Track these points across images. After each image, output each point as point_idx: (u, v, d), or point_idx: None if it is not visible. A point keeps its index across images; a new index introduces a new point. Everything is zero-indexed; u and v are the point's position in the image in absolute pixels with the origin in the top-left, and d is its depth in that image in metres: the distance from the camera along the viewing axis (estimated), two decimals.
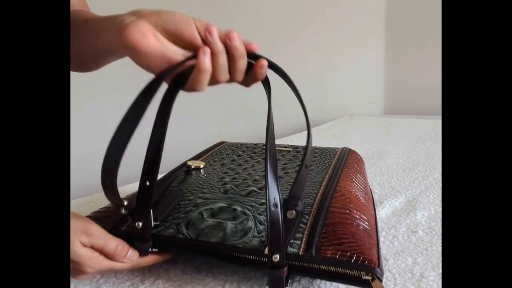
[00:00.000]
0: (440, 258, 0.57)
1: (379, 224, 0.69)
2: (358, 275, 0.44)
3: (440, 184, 0.91)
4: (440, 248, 0.60)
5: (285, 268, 0.45)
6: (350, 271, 0.45)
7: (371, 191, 0.69)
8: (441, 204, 0.78)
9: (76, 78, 1.09)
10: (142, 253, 0.51)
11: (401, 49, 2.49)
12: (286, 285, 0.46)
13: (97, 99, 1.16)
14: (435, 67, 2.37)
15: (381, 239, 0.63)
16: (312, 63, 2.08)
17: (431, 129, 1.64)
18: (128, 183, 1.00)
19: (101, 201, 0.84)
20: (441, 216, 0.72)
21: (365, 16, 2.38)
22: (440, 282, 0.51)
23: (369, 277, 0.44)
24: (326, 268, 0.45)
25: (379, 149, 1.30)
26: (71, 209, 0.79)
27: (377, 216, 0.73)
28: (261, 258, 0.47)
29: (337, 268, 0.45)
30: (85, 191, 1.13)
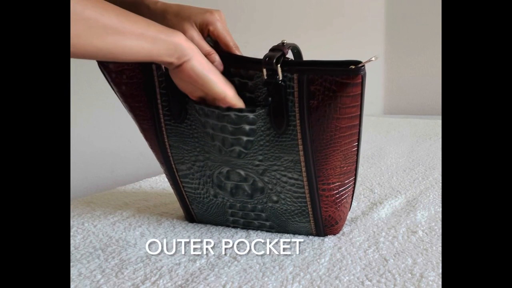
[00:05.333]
0: (440, 259, 0.57)
1: (379, 225, 0.69)
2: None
3: (440, 184, 0.91)
4: (440, 249, 0.60)
5: None
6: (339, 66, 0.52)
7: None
8: (441, 204, 0.78)
9: (76, 78, 1.09)
10: None
11: (401, 49, 2.49)
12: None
13: (97, 99, 1.16)
14: (435, 67, 2.37)
15: (381, 239, 0.63)
16: None
17: (431, 129, 1.64)
18: (129, 183, 1.00)
19: (101, 201, 0.84)
20: (441, 216, 0.72)
21: (365, 17, 2.38)
22: (440, 282, 0.51)
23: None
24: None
25: (379, 149, 1.30)
26: (71, 210, 0.79)
27: (377, 216, 0.73)
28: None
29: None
30: (85, 191, 1.13)
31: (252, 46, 1.68)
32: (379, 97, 2.56)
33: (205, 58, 0.55)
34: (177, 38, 0.51)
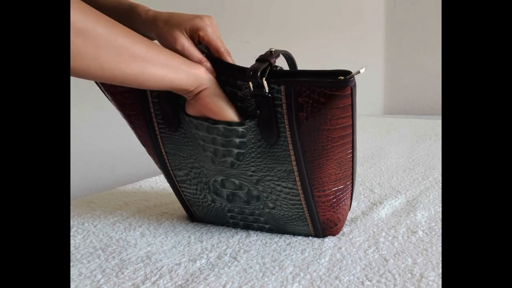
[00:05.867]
0: (440, 259, 0.57)
1: (379, 225, 0.69)
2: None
3: (440, 184, 0.91)
4: (440, 249, 0.60)
5: None
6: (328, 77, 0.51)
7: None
8: (441, 204, 0.78)
9: (76, 78, 1.09)
10: None
11: (401, 49, 2.49)
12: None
13: (97, 99, 1.16)
14: (435, 67, 2.37)
15: (381, 239, 0.63)
16: (312, 63, 2.07)
17: (431, 129, 1.64)
18: (129, 183, 1.00)
19: (101, 201, 0.84)
20: (441, 216, 0.72)
21: (365, 17, 2.38)
22: (440, 282, 0.51)
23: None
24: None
25: (379, 149, 1.30)
26: (71, 210, 0.79)
27: (377, 216, 0.73)
28: None
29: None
30: (85, 191, 1.13)
31: (253, 46, 1.68)
32: (379, 97, 2.56)
33: (220, 87, 0.56)
34: (198, 70, 0.54)
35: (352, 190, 0.64)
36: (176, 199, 0.84)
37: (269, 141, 0.56)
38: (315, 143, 0.55)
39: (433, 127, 1.69)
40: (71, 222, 0.73)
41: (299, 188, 0.59)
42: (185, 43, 0.55)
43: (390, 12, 2.50)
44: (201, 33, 0.56)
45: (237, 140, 0.57)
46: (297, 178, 0.58)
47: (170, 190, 0.91)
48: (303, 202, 0.60)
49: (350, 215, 0.73)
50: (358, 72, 0.50)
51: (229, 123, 0.56)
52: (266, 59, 0.54)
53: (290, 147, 0.56)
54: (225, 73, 0.56)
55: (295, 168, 0.57)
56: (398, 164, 1.12)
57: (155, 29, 0.57)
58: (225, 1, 1.60)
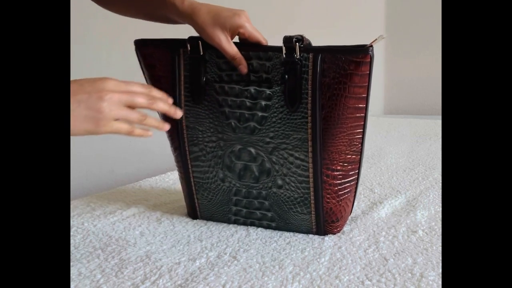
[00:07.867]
0: (440, 258, 0.57)
1: (379, 225, 0.69)
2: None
3: (440, 184, 0.91)
4: (440, 248, 0.60)
5: None
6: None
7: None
8: (441, 204, 0.78)
9: (76, 78, 1.09)
10: None
11: (401, 49, 2.49)
12: None
13: None
14: (435, 67, 2.36)
15: (381, 239, 0.63)
16: None
17: (431, 129, 1.64)
18: (129, 183, 1.00)
19: (101, 201, 0.84)
20: (441, 216, 0.72)
21: (365, 16, 2.38)
22: (440, 282, 0.51)
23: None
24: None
25: (379, 149, 1.30)
26: (71, 210, 0.79)
27: (377, 216, 0.73)
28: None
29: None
30: (85, 191, 1.13)
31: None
32: (379, 97, 2.56)
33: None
34: None
35: (356, 188, 0.66)
36: (176, 198, 0.84)
37: (291, 107, 0.62)
38: (332, 110, 0.60)
39: (433, 127, 1.69)
40: (71, 222, 0.73)
41: (310, 160, 0.62)
42: (222, 39, 0.60)
43: (390, 12, 2.50)
44: (241, 30, 0.61)
45: (263, 103, 0.63)
46: (310, 149, 0.62)
47: (170, 190, 0.91)
48: (311, 179, 0.63)
49: (350, 214, 0.73)
50: (379, 38, 0.58)
51: (259, 85, 0.62)
52: (300, 35, 0.61)
53: (309, 113, 0.61)
54: (255, 49, 0.62)
55: (309, 137, 0.62)
56: (398, 164, 1.12)
57: (193, 23, 0.61)
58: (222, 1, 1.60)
